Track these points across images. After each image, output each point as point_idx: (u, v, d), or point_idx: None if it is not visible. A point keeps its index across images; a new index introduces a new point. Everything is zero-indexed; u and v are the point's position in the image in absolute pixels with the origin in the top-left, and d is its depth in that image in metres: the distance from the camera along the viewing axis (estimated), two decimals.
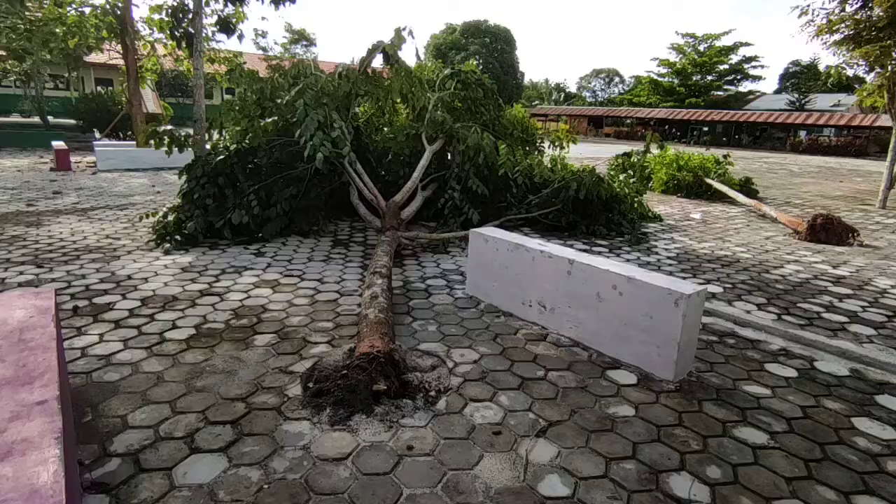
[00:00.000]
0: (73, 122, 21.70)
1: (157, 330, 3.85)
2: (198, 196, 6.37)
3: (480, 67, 46.55)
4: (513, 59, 54.72)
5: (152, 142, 6.55)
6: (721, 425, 2.90)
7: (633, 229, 7.58)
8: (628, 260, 6.35)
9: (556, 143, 10.50)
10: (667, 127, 45.37)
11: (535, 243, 4.29)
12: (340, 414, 2.81)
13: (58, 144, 12.91)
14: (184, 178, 6.52)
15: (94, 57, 29.11)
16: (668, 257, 6.59)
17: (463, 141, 7.06)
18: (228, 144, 6.66)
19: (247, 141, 6.74)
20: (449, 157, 7.94)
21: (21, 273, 4.98)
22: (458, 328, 4.10)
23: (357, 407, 2.84)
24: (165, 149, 6.54)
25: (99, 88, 27.15)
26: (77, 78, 29.36)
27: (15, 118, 26.89)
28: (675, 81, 51.68)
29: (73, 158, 13.81)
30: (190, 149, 6.59)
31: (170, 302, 4.40)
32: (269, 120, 6.76)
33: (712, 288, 5.36)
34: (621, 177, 7.88)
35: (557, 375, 3.38)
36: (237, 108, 7.16)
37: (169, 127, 6.77)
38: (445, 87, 8.30)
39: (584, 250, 6.69)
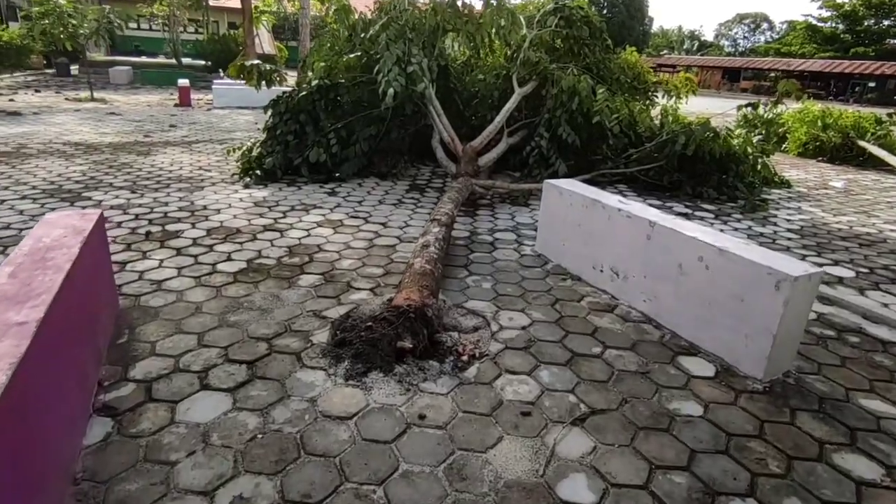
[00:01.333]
0: (202, 62, 23.36)
1: (212, 260, 3.89)
2: (280, 132, 6.41)
3: (605, 11, 42.90)
4: (641, 2, 49.67)
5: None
6: (817, 446, 2.27)
7: (750, 194, 6.48)
8: (736, 229, 5.42)
9: (672, 93, 9.25)
10: (819, 83, 38.97)
11: (613, 200, 3.68)
12: (357, 368, 2.59)
13: (182, 83, 13.90)
14: (269, 113, 6.57)
15: (225, 1, 30.84)
16: (789, 230, 5.54)
17: (557, 84, 6.35)
18: (312, 80, 6.57)
19: (329, 78, 6.59)
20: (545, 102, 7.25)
21: (116, 197, 5.34)
22: (515, 288, 3.69)
23: (376, 363, 2.60)
24: (254, 83, 6.60)
25: (224, 31, 28.90)
26: (210, 22, 31.46)
27: (161, 59, 29.62)
28: (840, 27, 43.92)
29: (194, 96, 14.85)
30: (278, 85, 6.58)
31: (232, 234, 4.45)
32: (353, 55, 6.53)
33: (840, 271, 4.39)
34: (743, 133, 6.67)
35: (616, 355, 2.89)
36: (328, 44, 7.02)
37: (256, 61, 6.79)
38: (546, 25, 7.49)
39: (684, 214, 5.83)
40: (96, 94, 14.05)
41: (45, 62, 22.13)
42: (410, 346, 2.64)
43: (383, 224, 4.99)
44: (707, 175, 6.61)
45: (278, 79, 6.49)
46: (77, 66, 18.87)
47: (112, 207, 4.97)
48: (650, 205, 6.09)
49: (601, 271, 3.70)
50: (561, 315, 3.33)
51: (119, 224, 4.53)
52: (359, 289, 3.55)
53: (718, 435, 2.29)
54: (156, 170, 6.58)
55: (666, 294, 3.17)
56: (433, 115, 6.41)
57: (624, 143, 6.83)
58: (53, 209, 4.81)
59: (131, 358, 2.64)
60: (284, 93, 6.60)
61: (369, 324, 2.72)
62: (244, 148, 6.64)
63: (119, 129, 9.46)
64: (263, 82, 6.52)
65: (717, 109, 21.74)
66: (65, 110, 11.59)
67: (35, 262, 2.25)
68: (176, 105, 13.44)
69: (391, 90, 5.16)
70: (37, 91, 14.99)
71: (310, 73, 6.76)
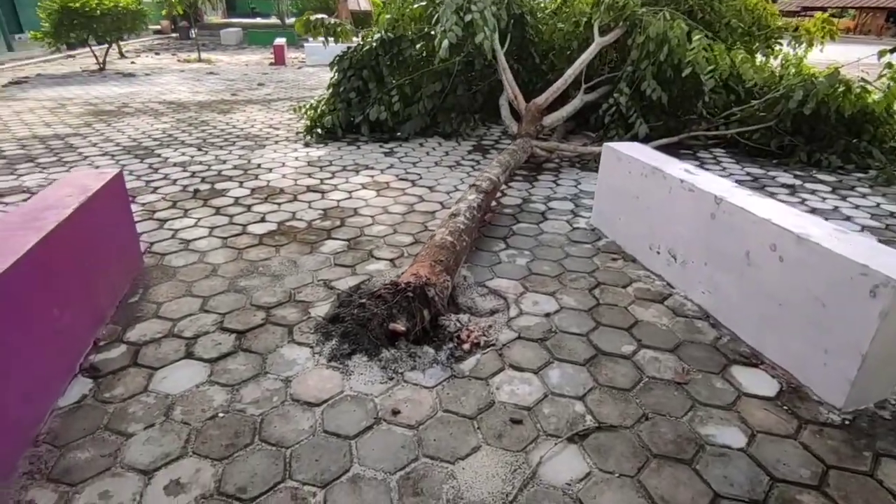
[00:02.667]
0: None
1: (245, 221, 3.86)
2: (343, 89, 6.26)
3: None
4: None
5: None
6: None
7: (887, 163, 5.26)
8: (857, 206, 4.41)
9: (802, 40, 7.75)
10: None
11: (677, 169, 3.06)
12: (343, 349, 2.38)
13: (278, 41, 14.30)
14: (334, 69, 6.43)
15: None
16: None
17: (644, 31, 5.50)
18: (376, 34, 6.29)
19: (393, 31, 6.27)
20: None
21: (182, 154, 5.54)
22: (553, 267, 3.25)
23: (363, 345, 2.37)
24: (322, 38, 6.47)
25: None
26: None
27: (273, 20, 30.93)
28: None
29: (292, 54, 15.28)
30: (344, 40, 6.39)
31: (274, 195, 4.40)
32: (417, 5, 6.13)
33: None
34: (889, 85, 5.32)
35: (651, 357, 2.41)
36: None
37: (322, 16, 6.62)
38: None
39: (789, 186, 4.87)
40: (204, 56, 14.95)
41: (172, 26, 24.08)
42: (403, 328, 2.36)
43: (430, 188, 4.69)
44: (831, 138, 5.47)
45: (344, 33, 6.28)
46: (195, 30, 20.24)
47: (175, 164, 5.16)
48: (748, 173, 5.19)
49: (657, 253, 3.14)
50: (598, 302, 2.86)
51: (174, 181, 4.67)
52: (379, 258, 3.32)
53: (759, 478, 1.79)
54: (229, 127, 6.77)
55: (728, 287, 2.58)
56: (499, 70, 5.88)
57: (726, 100, 5.83)
58: (124, 164, 5.09)
59: (134, 319, 2.64)
60: (350, 48, 6.40)
61: (363, 301, 2.48)
62: (308, 106, 6.59)
63: (212, 89, 9.94)
64: (330, 37, 6.36)
65: (869, 59, 18.32)
66: (172, 71, 12.44)
67: (26, 220, 2.26)
68: (271, 64, 13.90)
69: (445, 42, 4.73)
70: (156, 54, 16.28)
71: (374, 28, 6.48)
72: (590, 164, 5.41)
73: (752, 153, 5.76)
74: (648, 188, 3.18)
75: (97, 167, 5.03)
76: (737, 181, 4.68)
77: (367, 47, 6.18)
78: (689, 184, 2.82)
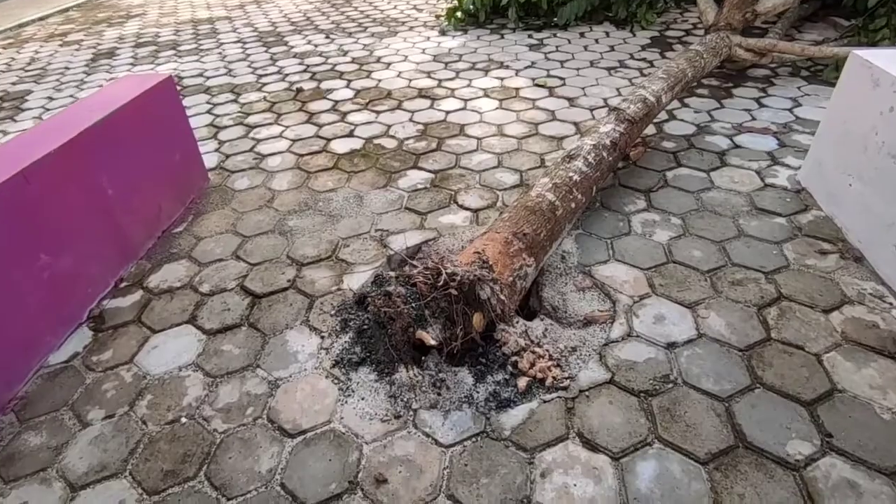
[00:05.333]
0: None
1: (332, 134, 3.30)
2: None
3: None
4: None
5: None
6: None
7: None
8: None
9: None
10: None
11: None
12: (352, 354, 1.76)
13: None
14: None
15: None
16: None
17: None
18: None
19: None
20: None
21: (308, 42, 5.08)
22: (710, 253, 2.13)
23: (375, 354, 1.72)
24: None
25: None
26: None
27: None
28: None
29: None
30: None
31: (377, 99, 3.72)
32: None
33: None
34: None
35: (845, 479, 1.35)
36: None
37: None
38: None
39: None
40: None
41: None
42: (434, 343, 1.64)
43: (571, 100, 3.56)
44: None
45: None
46: None
47: (295, 55, 4.72)
48: None
49: None
50: (767, 336, 1.75)
51: (285, 77, 4.25)
52: (462, 206, 2.53)
53: None
54: (369, 9, 6.09)
55: None
56: None
57: None
58: (248, 54, 4.81)
59: (166, 257, 2.33)
60: None
61: (387, 290, 1.77)
62: None
63: None
64: None
65: None
66: None
67: (55, 126, 1.96)
68: None
69: None
70: None
71: None
72: (824, 74, 3.62)
73: None
74: None
75: (224, 56, 4.83)
76: None
77: None
78: None
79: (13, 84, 4.54)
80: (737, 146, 2.89)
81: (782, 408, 1.53)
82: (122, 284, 2.19)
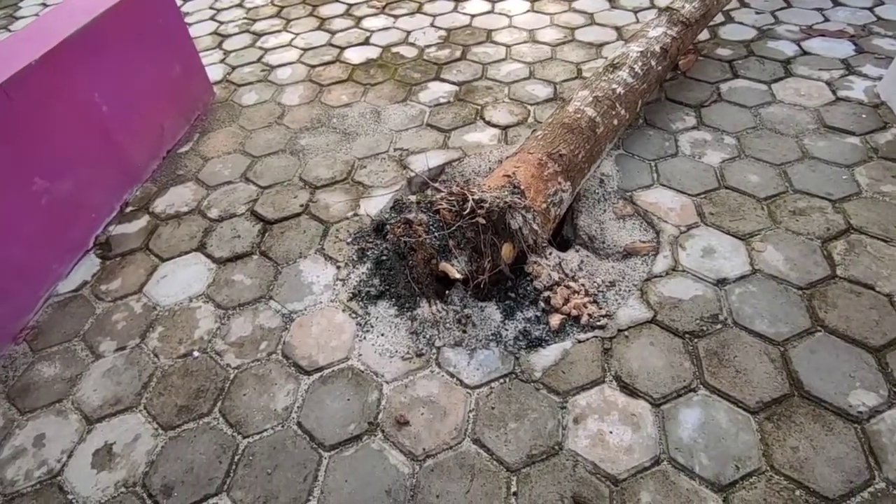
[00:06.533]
0: None
1: (346, 42, 3.00)
2: None
3: None
4: None
5: None
6: None
7: None
8: None
9: None
10: None
11: None
12: (370, 286, 1.64)
13: None
14: None
15: None
16: None
17: None
18: None
19: None
20: None
21: None
22: (769, 178, 1.90)
23: (396, 286, 1.60)
24: None
25: None
26: None
27: None
28: None
29: None
30: None
31: (395, 1, 3.35)
32: None
33: None
34: None
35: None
36: None
37: None
38: None
39: None
40: None
41: None
42: (459, 276, 1.50)
43: (612, 1, 3.14)
44: None
45: None
46: None
47: None
48: None
49: None
50: (832, 273, 1.56)
51: None
52: (489, 123, 2.29)
53: None
54: None
55: None
56: None
57: None
58: None
59: (172, 180, 2.19)
60: None
61: (408, 217, 1.61)
62: None
63: None
64: None
65: None
66: None
67: (19, 42, 1.76)
68: None
69: None
70: None
71: None
72: None
73: None
74: None
75: None
76: None
77: None
78: None
79: None
80: (805, 53, 2.52)
81: (846, 354, 1.37)
82: (128, 209, 2.07)
